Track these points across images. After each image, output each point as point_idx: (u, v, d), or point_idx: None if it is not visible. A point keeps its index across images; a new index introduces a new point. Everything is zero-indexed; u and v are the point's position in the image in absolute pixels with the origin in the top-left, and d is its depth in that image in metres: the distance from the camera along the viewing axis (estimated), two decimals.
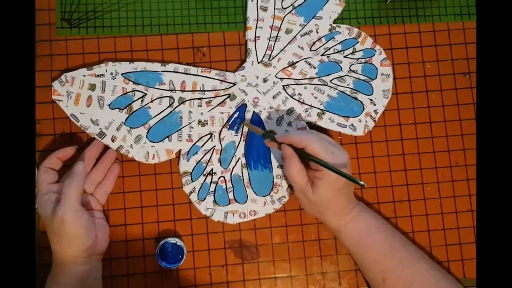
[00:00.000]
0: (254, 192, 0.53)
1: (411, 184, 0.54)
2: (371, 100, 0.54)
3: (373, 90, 0.55)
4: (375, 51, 0.55)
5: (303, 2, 0.56)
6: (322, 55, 0.55)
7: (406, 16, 0.57)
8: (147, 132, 0.52)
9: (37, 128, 0.53)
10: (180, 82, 0.53)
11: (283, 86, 0.54)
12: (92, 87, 0.52)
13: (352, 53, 0.55)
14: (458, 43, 0.57)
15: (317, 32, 0.55)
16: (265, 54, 0.55)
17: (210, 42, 0.56)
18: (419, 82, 0.56)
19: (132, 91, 0.53)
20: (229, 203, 0.52)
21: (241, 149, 0.53)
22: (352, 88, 0.55)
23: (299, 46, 0.55)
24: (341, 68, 0.55)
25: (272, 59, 0.55)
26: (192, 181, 0.52)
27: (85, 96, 0.52)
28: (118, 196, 0.53)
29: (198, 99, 0.53)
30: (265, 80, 0.54)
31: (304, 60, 0.55)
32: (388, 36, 0.57)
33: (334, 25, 0.56)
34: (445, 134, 0.55)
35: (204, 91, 0.54)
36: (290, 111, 0.54)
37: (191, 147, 0.53)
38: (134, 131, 0.52)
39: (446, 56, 0.57)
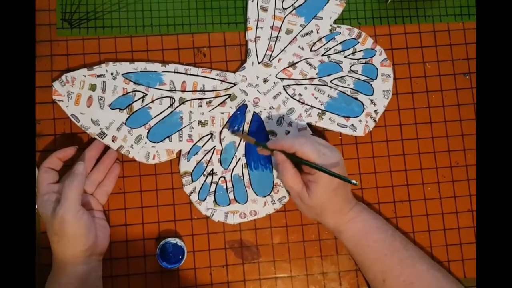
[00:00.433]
0: (255, 192, 0.53)
1: (411, 184, 0.54)
2: (371, 100, 0.55)
3: (373, 91, 0.55)
4: (376, 51, 0.55)
5: (304, 3, 0.56)
6: (322, 55, 0.55)
7: (406, 16, 0.57)
8: (148, 132, 0.52)
9: (38, 128, 0.53)
10: (180, 82, 0.53)
11: (283, 86, 0.54)
12: (93, 87, 0.52)
13: (353, 53, 0.55)
14: (458, 44, 0.57)
15: (317, 33, 0.55)
16: (265, 54, 0.55)
17: (210, 43, 0.56)
18: (420, 83, 0.56)
19: (132, 92, 0.53)
20: (229, 203, 0.52)
21: (241, 149, 0.53)
22: (352, 89, 0.55)
23: (299, 47, 0.55)
24: (342, 68, 0.55)
25: (273, 59, 0.55)
26: (193, 181, 0.52)
27: (85, 96, 0.52)
28: (119, 196, 0.53)
29: (199, 99, 0.53)
30: (265, 81, 0.54)
31: (304, 60, 0.55)
32: (388, 37, 0.57)
33: (335, 25, 0.56)
34: (445, 134, 0.55)
35: (205, 91, 0.54)
36: (291, 112, 0.54)
37: (192, 147, 0.53)
38: (134, 131, 0.52)
39: (446, 56, 0.57)
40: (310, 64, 0.55)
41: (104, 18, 0.55)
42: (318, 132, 0.55)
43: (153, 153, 0.52)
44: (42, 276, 0.48)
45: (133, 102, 0.53)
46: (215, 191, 0.52)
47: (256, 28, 0.55)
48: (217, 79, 0.54)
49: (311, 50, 0.55)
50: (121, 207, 0.52)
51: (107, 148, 0.52)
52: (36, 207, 0.47)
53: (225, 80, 0.54)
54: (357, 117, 0.54)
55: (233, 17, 0.56)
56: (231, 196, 0.53)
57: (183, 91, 0.53)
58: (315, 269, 0.53)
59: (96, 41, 0.55)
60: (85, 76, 0.52)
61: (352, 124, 0.54)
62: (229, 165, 0.53)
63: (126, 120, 0.52)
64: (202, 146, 0.53)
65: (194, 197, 0.52)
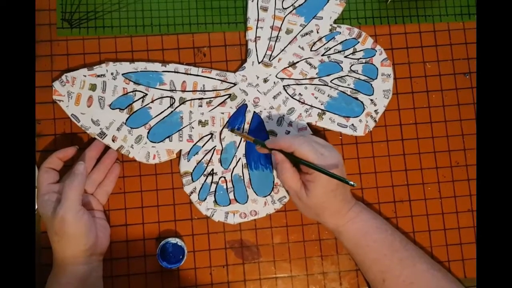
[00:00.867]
0: (255, 192, 0.53)
1: (411, 184, 0.55)
2: (371, 100, 0.55)
3: (373, 90, 0.55)
4: (376, 51, 0.55)
5: (304, 2, 0.56)
6: (322, 55, 0.55)
7: (406, 16, 0.57)
8: (148, 132, 0.52)
9: (38, 128, 0.53)
10: (180, 82, 0.53)
11: (283, 86, 0.54)
12: (93, 87, 0.52)
13: (353, 53, 0.55)
14: (459, 43, 0.57)
15: (317, 32, 0.55)
16: (265, 54, 0.55)
17: (210, 42, 0.56)
18: (420, 82, 0.56)
19: (132, 91, 0.53)
20: (229, 203, 0.52)
21: (241, 150, 0.53)
22: (352, 88, 0.55)
23: (299, 46, 0.55)
24: (342, 68, 0.55)
25: (273, 59, 0.55)
26: (193, 181, 0.52)
27: (85, 96, 0.52)
28: (119, 196, 0.53)
29: (199, 99, 0.53)
30: (265, 80, 0.54)
31: (304, 60, 0.55)
32: (388, 36, 0.57)
33: (335, 25, 0.56)
34: (445, 134, 0.55)
35: (205, 91, 0.54)
36: (291, 111, 0.54)
37: (192, 147, 0.53)
38: (134, 131, 0.52)
39: (446, 56, 0.57)
40: (310, 64, 0.55)
41: (104, 18, 0.55)
42: (318, 132, 0.55)
43: (153, 153, 0.52)
44: (42, 276, 0.48)
45: (133, 102, 0.53)
46: (215, 191, 0.52)
47: (256, 28, 0.55)
48: (217, 79, 0.54)
49: (311, 50, 0.55)
50: (122, 207, 0.53)
51: (107, 148, 0.52)
52: (36, 207, 0.47)
53: (225, 80, 0.54)
54: (357, 117, 0.54)
55: (233, 17, 0.56)
56: (231, 196, 0.53)
57: (183, 91, 0.53)
58: (315, 269, 0.53)
59: (96, 41, 0.55)
60: (85, 76, 0.52)
61: (352, 124, 0.54)
62: (229, 165, 0.53)
63: (126, 120, 0.52)
64: (202, 146, 0.53)
65: (194, 197, 0.52)
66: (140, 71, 0.53)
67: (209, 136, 0.53)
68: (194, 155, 0.53)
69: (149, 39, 0.55)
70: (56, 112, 0.53)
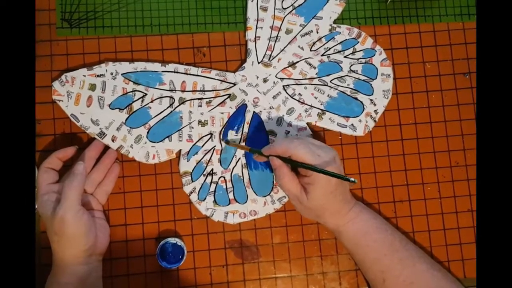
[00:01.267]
0: (254, 192, 0.53)
1: (411, 184, 0.54)
2: (371, 100, 0.55)
3: (373, 90, 0.55)
4: (375, 51, 0.55)
5: (303, 2, 0.56)
6: (322, 55, 0.55)
7: (406, 16, 0.57)
8: (148, 132, 0.52)
9: (37, 128, 0.53)
10: (180, 82, 0.53)
11: (283, 86, 0.54)
12: (93, 87, 0.52)
13: (352, 53, 0.55)
14: (458, 43, 0.57)
15: (317, 32, 0.55)
16: (265, 54, 0.55)
17: (210, 42, 0.56)
18: (419, 82, 0.56)
19: (132, 91, 0.53)
20: (229, 203, 0.52)
21: (241, 149, 0.53)
22: (352, 88, 0.55)
23: (299, 46, 0.55)
24: (341, 68, 0.55)
25: (272, 59, 0.55)
26: (192, 181, 0.52)
27: (85, 96, 0.52)
28: (119, 196, 0.53)
29: (198, 99, 0.53)
30: (265, 80, 0.54)
31: (304, 60, 0.55)
32: (388, 36, 0.57)
33: (334, 25, 0.56)
34: (445, 134, 0.55)
35: (204, 91, 0.54)
36: (290, 111, 0.54)
37: (191, 147, 0.53)
38: (134, 131, 0.52)
39: (446, 56, 0.57)
40: (310, 64, 0.55)
41: (104, 18, 0.55)
42: (317, 132, 0.55)
43: (153, 153, 0.52)
44: (42, 276, 0.48)
45: (133, 102, 0.53)
46: (215, 191, 0.52)
47: (256, 28, 0.55)
48: (217, 79, 0.54)
49: (311, 50, 0.55)
50: (121, 207, 0.52)
51: (106, 148, 0.52)
52: (36, 207, 0.47)
53: (225, 80, 0.54)
54: (357, 117, 0.54)
55: (233, 17, 0.56)
56: (231, 196, 0.53)
57: (183, 91, 0.53)
58: (315, 269, 0.53)
59: (96, 41, 0.55)
60: (84, 76, 0.52)
61: (352, 124, 0.54)
62: (229, 165, 0.53)
63: (126, 120, 0.52)
64: (202, 146, 0.53)
65: (194, 197, 0.52)
66: (140, 71, 0.53)
67: (209, 136, 0.53)
68: (194, 155, 0.53)
69: (148, 39, 0.55)
70: (55, 112, 0.53)
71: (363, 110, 0.54)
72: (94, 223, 0.47)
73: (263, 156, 0.49)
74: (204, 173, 0.53)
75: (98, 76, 0.53)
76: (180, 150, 0.53)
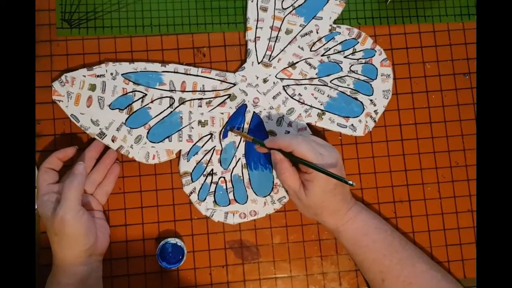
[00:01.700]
0: (254, 193, 0.53)
1: (411, 185, 0.54)
2: (371, 100, 0.55)
3: (373, 91, 0.55)
4: (375, 51, 0.55)
5: (303, 3, 0.56)
6: (322, 55, 0.55)
7: (406, 16, 0.57)
8: (148, 133, 0.52)
9: (37, 128, 0.53)
10: (180, 82, 0.53)
11: (283, 86, 0.54)
12: (92, 87, 0.52)
13: (352, 53, 0.55)
14: (458, 44, 0.57)
15: (317, 33, 0.55)
16: (265, 54, 0.55)
17: (210, 43, 0.56)
18: (419, 83, 0.56)
19: (132, 92, 0.53)
20: (229, 204, 0.52)
21: (241, 150, 0.53)
22: (352, 89, 0.55)
23: (299, 47, 0.55)
24: (341, 68, 0.55)
25: (272, 59, 0.55)
26: (192, 182, 0.52)
27: (85, 96, 0.52)
28: (119, 197, 0.53)
29: (198, 99, 0.53)
30: (265, 81, 0.54)
31: (304, 60, 0.55)
32: (388, 37, 0.57)
33: (334, 25, 0.56)
34: (445, 134, 0.55)
35: (204, 91, 0.54)
36: (290, 112, 0.54)
37: (191, 147, 0.53)
38: (134, 132, 0.52)
39: (446, 56, 0.57)
40: (310, 64, 0.55)
41: (104, 18, 0.55)
42: (317, 132, 0.55)
43: (153, 153, 0.52)
44: (42, 277, 0.48)
45: (133, 102, 0.53)
46: (215, 191, 0.52)
47: (256, 28, 0.55)
48: (217, 79, 0.54)
49: (310, 50, 0.55)
50: (121, 207, 0.53)
51: (107, 148, 0.52)
52: (36, 207, 0.47)
53: (225, 80, 0.54)
54: (357, 117, 0.54)
55: (232, 17, 0.56)
56: (231, 196, 0.53)
57: (183, 91, 0.53)
58: (315, 269, 0.53)
59: (96, 41, 0.55)
60: (84, 76, 0.52)
61: (352, 124, 0.54)
62: (229, 165, 0.53)
63: (126, 120, 0.52)
64: (202, 146, 0.53)
65: (194, 197, 0.52)
66: (140, 71, 0.53)
67: (209, 136, 0.53)
68: (194, 155, 0.53)
69: (148, 39, 0.55)
70: (55, 112, 0.53)
71: (363, 110, 0.54)
72: (94, 224, 0.47)
73: (265, 148, 0.49)
74: (204, 173, 0.53)
75: (98, 76, 0.53)
76: (180, 151, 0.53)
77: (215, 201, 0.52)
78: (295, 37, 0.55)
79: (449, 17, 0.57)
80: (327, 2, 0.56)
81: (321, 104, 0.54)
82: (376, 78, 0.55)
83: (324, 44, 0.55)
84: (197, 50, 0.55)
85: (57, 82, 0.52)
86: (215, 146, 0.53)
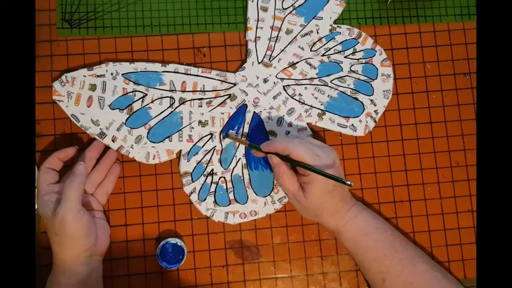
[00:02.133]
0: (255, 193, 0.53)
1: (411, 185, 0.55)
2: (371, 100, 0.55)
3: (373, 91, 0.55)
4: (376, 51, 0.55)
5: (304, 3, 0.56)
6: (322, 55, 0.55)
7: (406, 16, 0.57)
8: (148, 133, 0.52)
9: (37, 128, 0.53)
10: (180, 82, 0.53)
11: (283, 86, 0.54)
12: (93, 87, 0.52)
13: (353, 53, 0.55)
14: (459, 44, 0.57)
15: (317, 33, 0.55)
16: (265, 54, 0.55)
17: (210, 43, 0.56)
18: (420, 83, 0.56)
19: (132, 92, 0.53)
20: (229, 204, 0.52)
21: (241, 150, 0.53)
22: (352, 89, 0.55)
23: (299, 47, 0.55)
24: (342, 68, 0.55)
25: (273, 59, 0.55)
26: (193, 182, 0.52)
27: (85, 96, 0.52)
28: (119, 197, 0.53)
29: (199, 99, 0.53)
30: (265, 81, 0.54)
31: (304, 60, 0.55)
32: (388, 37, 0.57)
33: (335, 25, 0.56)
34: (445, 134, 0.55)
35: (205, 91, 0.54)
36: (291, 112, 0.54)
37: (192, 147, 0.53)
38: (134, 132, 0.52)
39: (446, 56, 0.57)
40: (310, 64, 0.55)
41: (104, 18, 0.55)
42: (318, 132, 0.55)
43: (153, 153, 0.52)
44: (42, 277, 0.48)
45: (133, 102, 0.53)
46: (215, 191, 0.52)
47: (256, 28, 0.55)
48: (217, 79, 0.54)
49: (311, 50, 0.55)
50: (121, 207, 0.52)
51: (107, 148, 0.52)
52: (36, 207, 0.47)
53: (225, 80, 0.54)
54: (357, 117, 0.54)
55: (233, 17, 0.56)
56: (231, 196, 0.53)
57: (183, 91, 0.53)
58: (315, 269, 0.53)
59: (96, 41, 0.55)
60: (85, 76, 0.52)
61: (352, 124, 0.54)
62: (229, 165, 0.53)
63: (126, 120, 0.52)
64: (202, 146, 0.53)
65: (194, 197, 0.52)
66: (140, 71, 0.53)
67: (209, 136, 0.53)
68: (194, 155, 0.53)
69: (149, 40, 0.55)
70: (56, 112, 0.53)
71: (363, 110, 0.54)
72: (94, 224, 0.47)
73: (261, 152, 0.49)
74: (205, 173, 0.53)
75: (98, 76, 0.53)
76: (180, 151, 0.53)
77: (215, 201, 0.52)
78: (295, 37, 0.55)
79: (449, 17, 0.57)
80: (328, 2, 0.56)
81: (321, 104, 0.54)
82: (376, 78, 0.55)
83: (324, 44, 0.55)
84: (198, 50, 0.55)
85: (57, 82, 0.52)
86: (215, 146, 0.53)
